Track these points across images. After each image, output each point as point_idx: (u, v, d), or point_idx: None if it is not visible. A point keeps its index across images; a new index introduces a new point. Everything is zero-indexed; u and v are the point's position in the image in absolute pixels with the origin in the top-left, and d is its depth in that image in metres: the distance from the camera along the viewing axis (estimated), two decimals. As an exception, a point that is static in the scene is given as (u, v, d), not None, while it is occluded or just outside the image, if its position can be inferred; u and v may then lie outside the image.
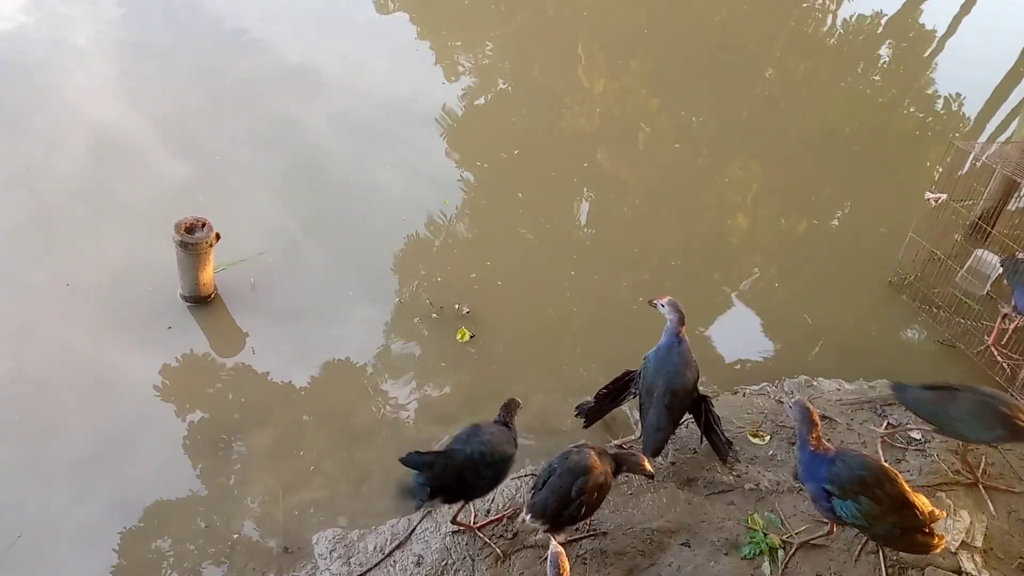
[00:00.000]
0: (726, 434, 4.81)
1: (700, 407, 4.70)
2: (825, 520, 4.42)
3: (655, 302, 4.66)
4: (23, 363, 5.24)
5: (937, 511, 3.95)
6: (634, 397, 4.76)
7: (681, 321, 4.53)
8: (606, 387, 4.82)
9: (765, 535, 4.36)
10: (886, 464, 4.05)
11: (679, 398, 4.51)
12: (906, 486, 3.91)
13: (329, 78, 8.18)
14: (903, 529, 3.86)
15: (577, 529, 4.30)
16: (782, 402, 5.26)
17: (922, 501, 3.90)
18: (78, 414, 4.99)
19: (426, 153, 7.48)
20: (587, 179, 7.49)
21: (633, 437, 4.93)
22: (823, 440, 3.97)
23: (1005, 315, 5.70)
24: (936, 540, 3.91)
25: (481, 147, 7.67)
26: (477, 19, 9.86)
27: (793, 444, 5.02)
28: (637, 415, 4.81)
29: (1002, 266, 5.79)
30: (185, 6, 8.94)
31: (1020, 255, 5.77)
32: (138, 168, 6.87)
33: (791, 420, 3.92)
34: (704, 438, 4.79)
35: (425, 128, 7.77)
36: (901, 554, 4.37)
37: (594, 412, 4.93)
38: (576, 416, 5.04)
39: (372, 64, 8.55)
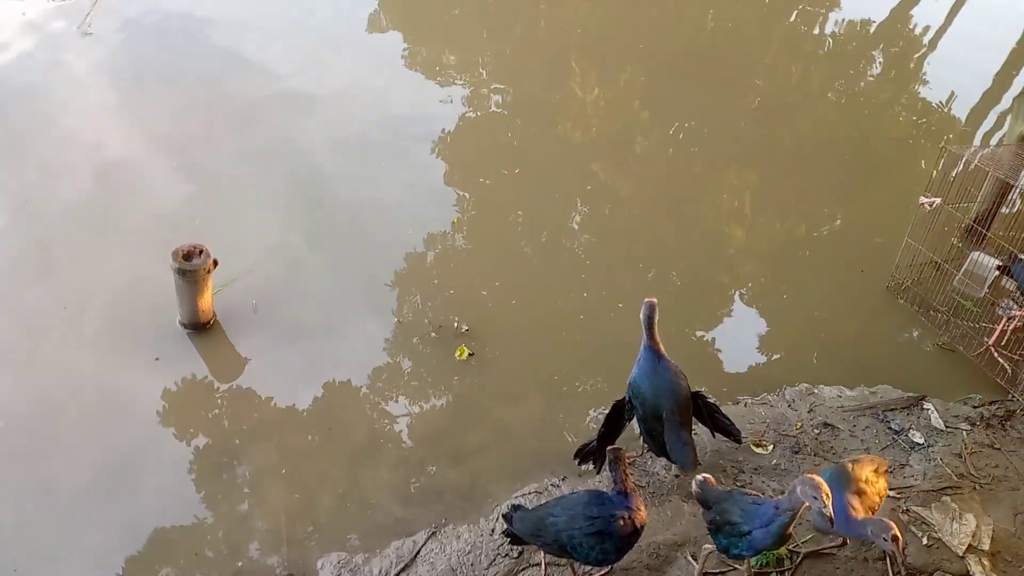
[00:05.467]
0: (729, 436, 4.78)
1: (697, 403, 4.69)
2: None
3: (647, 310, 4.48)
4: (22, 389, 5.23)
5: None
6: (629, 422, 4.72)
7: (650, 326, 4.45)
8: (604, 426, 4.71)
9: (771, 545, 4.33)
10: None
11: (684, 407, 4.53)
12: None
13: (326, 97, 8.20)
14: None
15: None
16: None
17: None
18: (77, 442, 4.97)
19: (425, 171, 7.48)
20: (588, 196, 7.48)
21: (635, 453, 4.92)
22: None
23: (1010, 317, 5.70)
24: None
25: (481, 164, 7.67)
26: (471, 36, 9.92)
27: (796, 453, 5.02)
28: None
29: None
30: (181, 29, 9.00)
31: None
32: (137, 191, 6.87)
33: (801, 496, 3.58)
34: (714, 433, 4.77)
35: (424, 145, 7.77)
36: (909, 560, 4.36)
37: (601, 454, 4.72)
38: (580, 463, 4.79)
39: (369, 82, 8.59)
